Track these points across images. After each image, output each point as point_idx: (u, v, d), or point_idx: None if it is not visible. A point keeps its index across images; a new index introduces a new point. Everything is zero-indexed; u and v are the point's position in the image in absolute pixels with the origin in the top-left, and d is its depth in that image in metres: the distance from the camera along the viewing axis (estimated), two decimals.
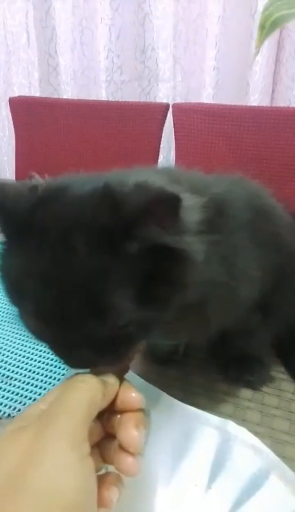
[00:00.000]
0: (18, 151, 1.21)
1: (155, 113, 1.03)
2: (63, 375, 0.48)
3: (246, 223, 0.38)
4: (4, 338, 0.54)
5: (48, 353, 0.51)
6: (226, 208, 0.37)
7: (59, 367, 0.49)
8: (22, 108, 1.18)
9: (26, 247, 0.27)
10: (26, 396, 0.45)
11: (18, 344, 0.53)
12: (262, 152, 0.91)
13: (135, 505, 0.32)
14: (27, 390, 0.46)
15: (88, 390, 0.27)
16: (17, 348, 0.52)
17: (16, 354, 0.51)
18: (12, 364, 0.49)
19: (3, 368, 0.49)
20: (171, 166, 0.70)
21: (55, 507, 0.22)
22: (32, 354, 0.51)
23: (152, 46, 1.31)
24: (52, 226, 0.27)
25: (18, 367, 0.49)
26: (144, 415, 0.29)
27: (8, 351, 0.52)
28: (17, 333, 0.55)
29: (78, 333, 0.27)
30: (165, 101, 1.31)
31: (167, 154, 1.29)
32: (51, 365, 0.49)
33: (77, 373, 0.29)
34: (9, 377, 0.48)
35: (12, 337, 0.54)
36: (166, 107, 1.02)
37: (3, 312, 0.59)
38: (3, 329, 0.55)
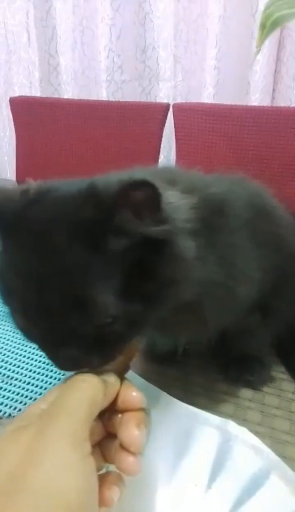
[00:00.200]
0: (18, 151, 1.22)
1: (155, 113, 1.03)
2: (63, 375, 0.47)
3: (247, 223, 0.38)
4: (4, 338, 0.54)
5: None
6: (227, 207, 0.37)
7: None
8: (22, 108, 1.18)
9: (14, 247, 0.28)
10: (26, 396, 0.45)
11: (19, 344, 0.53)
12: (262, 152, 0.91)
13: (136, 505, 0.32)
14: (27, 390, 0.46)
15: (89, 389, 0.27)
16: (18, 348, 0.52)
17: (16, 354, 0.51)
18: (12, 364, 0.49)
19: (3, 368, 0.49)
20: (170, 166, 0.70)
21: (56, 507, 0.22)
22: (33, 354, 0.51)
23: (152, 46, 1.31)
24: (37, 225, 0.27)
25: (18, 367, 0.49)
26: (145, 414, 0.29)
27: (9, 351, 0.52)
28: (17, 333, 0.54)
29: (64, 330, 0.27)
30: (165, 100, 1.31)
31: (167, 154, 1.29)
32: (52, 365, 0.49)
33: (77, 373, 0.29)
34: (9, 377, 0.48)
35: (12, 337, 0.54)
36: (166, 107, 1.02)
37: (3, 312, 0.59)
38: (3, 329, 0.56)
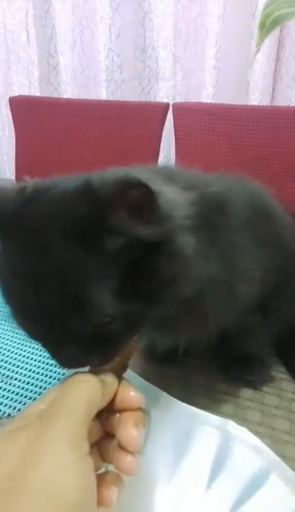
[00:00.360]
0: (18, 151, 1.21)
1: (155, 112, 1.03)
2: (63, 374, 0.47)
3: (247, 222, 0.38)
4: (4, 338, 0.54)
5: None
6: (226, 206, 0.37)
7: (59, 367, 0.48)
8: (22, 108, 1.18)
9: (11, 247, 0.28)
10: (26, 396, 0.45)
11: (18, 344, 0.53)
12: (262, 152, 0.91)
13: (135, 505, 0.32)
14: (27, 390, 0.46)
15: (87, 389, 0.27)
16: (17, 348, 0.52)
17: (16, 354, 0.51)
18: (12, 364, 0.49)
19: (3, 368, 0.49)
20: (170, 165, 0.70)
21: (55, 507, 0.22)
22: (32, 354, 0.51)
23: (152, 45, 1.31)
24: (33, 224, 0.27)
25: (18, 367, 0.49)
26: (143, 414, 0.29)
27: (8, 351, 0.52)
28: (17, 333, 0.55)
29: (63, 330, 0.27)
30: (165, 100, 1.31)
31: (167, 154, 1.29)
32: (51, 364, 0.49)
33: (76, 373, 0.29)
34: (9, 377, 0.47)
35: (12, 337, 0.54)
36: (166, 106, 1.02)
37: (3, 312, 0.59)
38: (3, 329, 0.55)
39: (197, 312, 0.35)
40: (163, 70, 1.32)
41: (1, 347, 0.52)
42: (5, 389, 0.46)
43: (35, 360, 0.50)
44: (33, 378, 0.47)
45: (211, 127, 0.95)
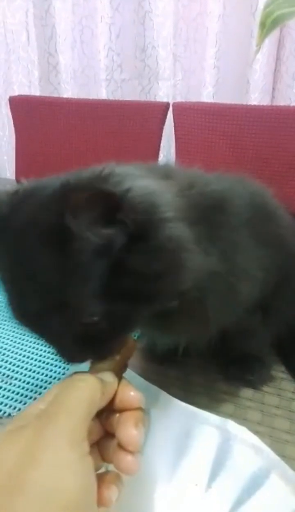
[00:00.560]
0: (18, 150, 1.21)
1: (155, 112, 1.03)
2: (63, 374, 0.48)
3: (247, 222, 0.38)
4: (4, 338, 0.54)
5: (48, 352, 0.51)
6: (227, 205, 0.37)
7: (59, 367, 0.49)
8: (22, 107, 1.18)
9: (1, 249, 0.29)
10: (26, 396, 0.45)
11: (18, 343, 0.53)
12: (262, 151, 0.91)
13: (135, 505, 0.32)
14: (27, 389, 0.46)
15: (87, 389, 0.27)
16: (17, 348, 0.52)
17: (16, 353, 0.51)
18: (12, 364, 0.49)
19: (3, 367, 0.49)
20: (170, 163, 0.70)
21: (55, 506, 0.22)
22: (32, 353, 0.51)
23: (152, 45, 1.31)
24: (17, 228, 0.28)
25: (18, 366, 0.49)
26: (143, 413, 0.29)
27: (8, 350, 0.52)
28: (17, 333, 0.55)
29: (54, 330, 0.28)
30: (165, 99, 1.31)
31: (167, 153, 1.29)
32: (51, 364, 0.49)
33: (76, 372, 0.29)
34: (9, 377, 0.47)
35: (12, 336, 0.54)
36: (166, 106, 1.02)
37: (3, 311, 0.59)
38: (3, 329, 0.55)
39: (197, 312, 0.35)
40: (163, 70, 1.32)
41: (1, 347, 0.52)
42: (5, 389, 0.46)
43: (35, 360, 0.50)
44: (33, 378, 0.47)
45: (211, 127, 0.95)
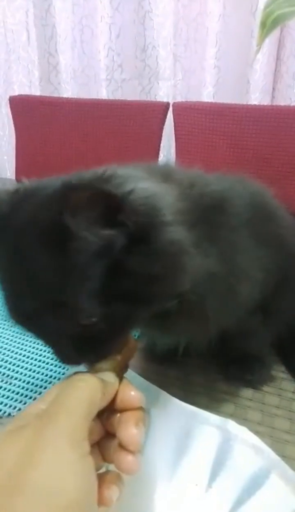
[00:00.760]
0: (18, 150, 1.21)
1: (155, 112, 1.03)
2: (63, 374, 0.48)
3: (247, 222, 0.38)
4: (4, 338, 0.54)
5: (48, 352, 0.51)
6: (227, 205, 0.37)
7: (59, 367, 0.48)
8: (22, 107, 1.18)
9: (1, 249, 0.28)
10: (26, 396, 0.45)
11: (18, 343, 0.53)
12: (262, 151, 0.91)
13: (135, 504, 0.32)
14: (27, 389, 0.46)
15: (88, 389, 0.27)
16: (17, 348, 0.52)
17: (16, 353, 0.51)
18: (12, 364, 0.49)
19: (3, 367, 0.49)
20: (170, 163, 0.70)
21: (55, 506, 0.22)
22: (32, 353, 0.51)
23: (152, 45, 1.31)
24: (17, 228, 0.28)
25: (18, 366, 0.49)
26: (144, 413, 0.29)
27: (9, 350, 0.52)
28: (17, 333, 0.55)
29: (50, 330, 0.28)
30: (165, 99, 1.31)
31: (167, 153, 1.29)
32: (51, 364, 0.49)
33: (76, 372, 0.29)
34: (9, 377, 0.47)
35: (12, 336, 0.54)
36: (166, 106, 1.02)
37: (3, 311, 0.59)
38: (3, 329, 0.55)
39: (196, 313, 0.35)
40: (163, 70, 1.32)
41: (1, 347, 0.52)
42: (5, 389, 0.46)
43: (35, 360, 0.50)
44: (33, 378, 0.47)
45: (211, 127, 0.95)
